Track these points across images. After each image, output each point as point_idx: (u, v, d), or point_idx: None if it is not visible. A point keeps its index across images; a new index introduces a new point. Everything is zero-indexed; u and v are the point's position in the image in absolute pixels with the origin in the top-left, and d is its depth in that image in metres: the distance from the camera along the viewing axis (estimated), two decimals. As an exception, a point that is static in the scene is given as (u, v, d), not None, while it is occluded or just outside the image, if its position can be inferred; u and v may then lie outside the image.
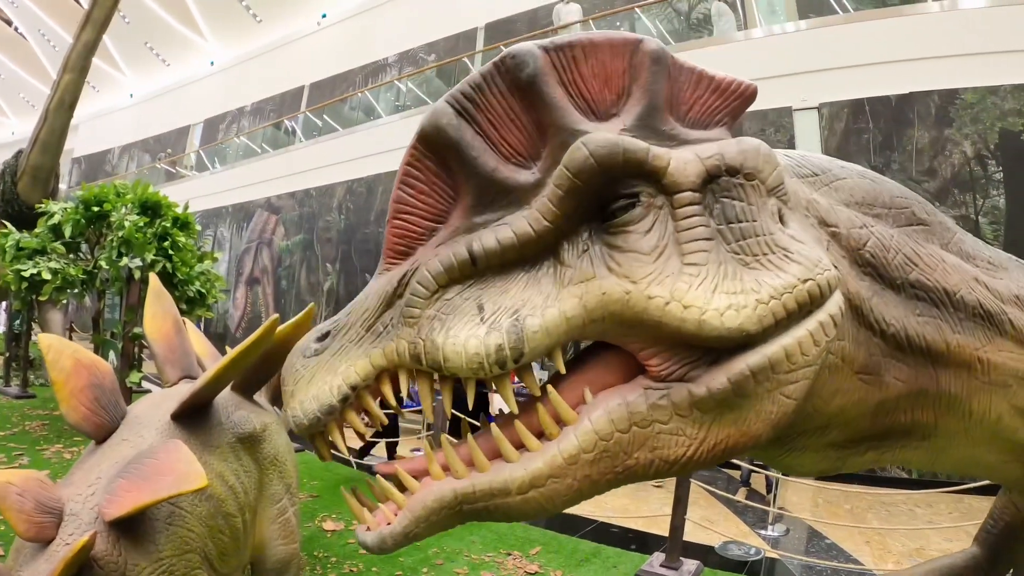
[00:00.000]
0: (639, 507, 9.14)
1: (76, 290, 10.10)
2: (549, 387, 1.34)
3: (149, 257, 9.39)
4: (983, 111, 11.15)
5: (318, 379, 1.32)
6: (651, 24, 15.62)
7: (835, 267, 1.42)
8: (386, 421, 1.32)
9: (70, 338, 17.78)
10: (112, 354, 10.00)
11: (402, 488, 1.37)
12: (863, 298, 1.52)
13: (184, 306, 10.13)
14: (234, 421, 3.34)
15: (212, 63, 31.63)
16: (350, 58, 23.61)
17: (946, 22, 11.70)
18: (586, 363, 1.40)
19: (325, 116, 23.42)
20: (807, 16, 13.47)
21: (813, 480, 10.87)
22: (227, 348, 3.20)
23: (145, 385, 12.05)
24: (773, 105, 11.75)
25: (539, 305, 1.25)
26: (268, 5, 27.73)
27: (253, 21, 28.73)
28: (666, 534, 6.43)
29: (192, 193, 23.37)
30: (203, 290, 10.38)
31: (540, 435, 1.33)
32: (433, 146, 1.32)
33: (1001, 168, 11.05)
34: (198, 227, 11.00)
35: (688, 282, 1.24)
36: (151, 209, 10.04)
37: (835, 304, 1.36)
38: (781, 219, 1.40)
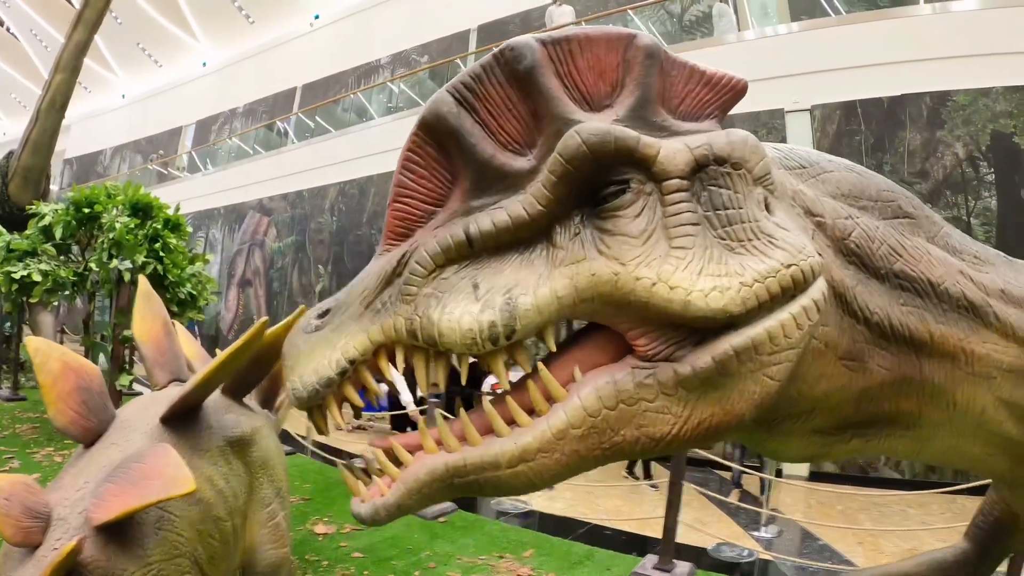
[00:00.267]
0: (632, 509, 9.14)
1: (67, 292, 10.06)
2: (540, 365, 1.38)
3: (140, 259, 9.35)
4: (975, 113, 11.19)
5: (318, 354, 1.36)
6: (644, 26, 15.64)
7: (819, 255, 1.46)
8: (381, 393, 1.34)
9: (61, 340, 17.80)
10: (102, 357, 9.95)
11: (398, 464, 1.40)
12: (847, 286, 1.56)
13: (175, 308, 10.08)
14: (224, 424, 3.32)
15: (204, 64, 31.61)
16: (343, 59, 23.61)
17: (938, 24, 11.73)
18: (576, 343, 1.45)
19: (317, 117, 23.42)
20: (799, 18, 13.52)
21: (806, 481, 10.91)
22: (217, 351, 3.18)
23: (136, 387, 12.02)
24: (765, 107, 11.76)
25: (531, 285, 1.29)
26: (260, 6, 27.73)
27: (245, 22, 28.71)
28: (659, 536, 6.43)
29: (184, 194, 23.31)
30: (194, 292, 10.34)
31: (531, 412, 1.36)
32: (433, 133, 1.37)
33: (993, 170, 11.09)
34: (189, 229, 10.95)
35: (675, 264, 1.29)
36: (142, 211, 10.00)
37: (818, 290, 1.40)
38: (767, 207, 1.44)
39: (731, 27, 14.12)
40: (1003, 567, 5.82)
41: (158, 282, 9.60)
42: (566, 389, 1.35)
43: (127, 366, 9.96)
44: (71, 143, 38.08)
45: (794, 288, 1.35)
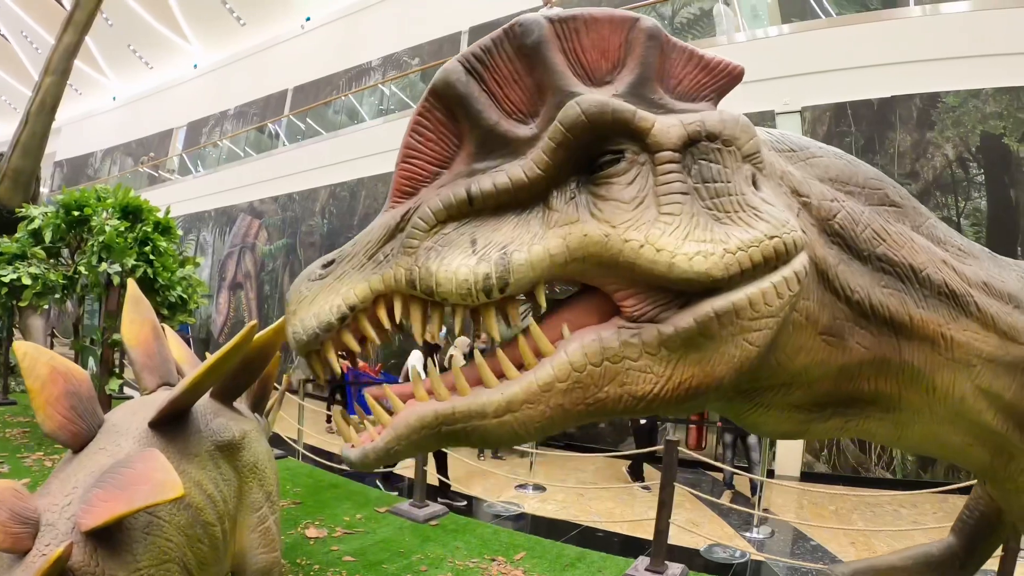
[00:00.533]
0: (624, 511, 9.15)
1: (57, 295, 10.03)
2: (531, 321, 1.46)
3: (130, 262, 9.33)
4: (965, 114, 11.23)
5: (320, 299, 1.42)
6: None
7: (803, 232, 1.51)
8: (377, 340, 1.43)
9: (51, 344, 17.71)
10: (91, 361, 9.93)
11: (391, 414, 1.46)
12: (829, 264, 1.61)
13: (165, 312, 10.07)
14: (213, 429, 3.31)
15: (195, 66, 31.48)
16: (334, 61, 23.54)
17: (928, 26, 11.77)
18: (567, 305, 1.51)
19: (309, 120, 23.37)
20: (790, 20, 13.54)
21: (797, 482, 10.92)
22: (207, 354, 3.18)
23: (126, 391, 11.99)
24: (755, 108, 11.77)
25: (526, 242, 1.36)
26: (252, 8, 27.65)
27: (236, 24, 28.61)
28: (651, 538, 6.44)
29: (175, 197, 23.34)
30: (185, 295, 10.31)
31: (520, 368, 1.42)
32: (443, 99, 1.43)
33: (983, 171, 11.14)
34: (179, 232, 10.94)
35: (662, 229, 1.35)
36: (132, 214, 9.98)
37: (800, 263, 1.46)
38: (755, 184, 1.51)
39: (732, 27, 14.13)
40: (995, 566, 5.87)
41: (148, 285, 9.58)
42: (554, 346, 1.40)
43: (116, 370, 9.93)
44: (62, 145, 37.96)
45: (776, 259, 1.41)
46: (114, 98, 36.63)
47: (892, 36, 11.69)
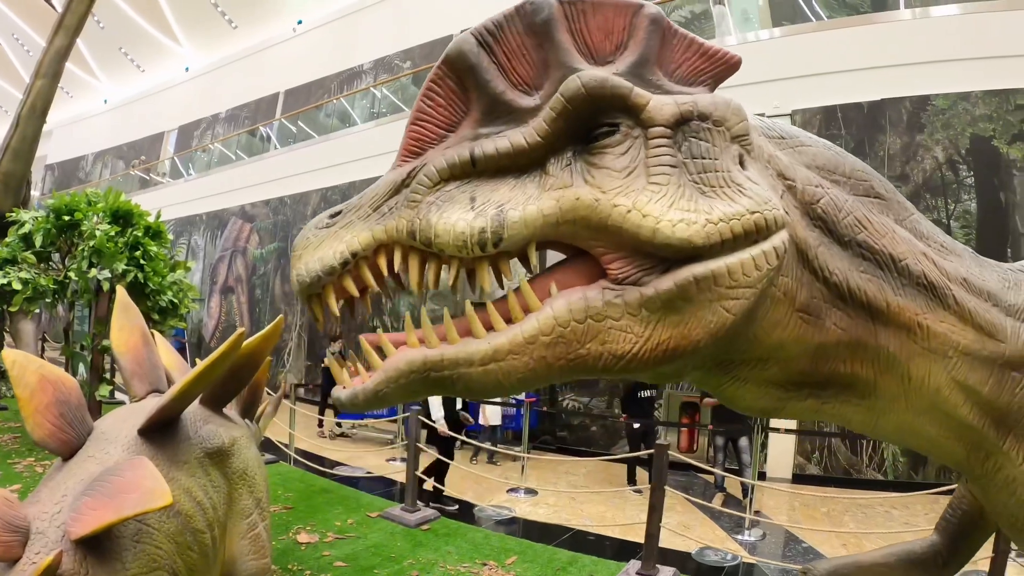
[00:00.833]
0: (615, 515, 9.16)
1: (47, 300, 10.00)
2: (521, 277, 1.53)
3: (120, 267, 9.31)
4: (954, 117, 11.29)
5: (325, 245, 1.49)
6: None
7: (785, 212, 1.58)
8: (375, 287, 1.50)
9: (42, 348, 17.63)
10: (82, 367, 9.90)
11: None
12: (809, 245, 1.67)
13: (156, 316, 10.05)
14: (202, 436, 3.31)
15: (187, 69, 31.39)
16: (326, 65, 23.50)
17: (918, 29, 11.82)
18: (557, 267, 1.58)
19: (300, 123, 23.34)
20: (780, 24, 13.59)
21: (789, 484, 10.95)
22: (197, 360, 3.18)
23: (118, 396, 11.96)
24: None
25: (522, 202, 1.44)
26: (244, 11, 27.57)
27: (228, 27, 28.55)
28: (643, 541, 6.45)
29: (166, 200, 23.26)
30: (175, 300, 10.29)
31: (509, 322, 1.48)
32: (454, 67, 1.52)
33: (972, 173, 11.20)
34: (170, 236, 10.93)
35: (649, 196, 1.42)
36: (123, 218, 9.96)
37: (779, 239, 1.52)
38: (742, 164, 1.58)
39: (724, 30, 14.15)
40: (986, 566, 5.90)
41: (139, 290, 9.56)
42: (542, 303, 1.47)
43: (107, 376, 9.91)
44: (53, 148, 37.83)
45: (756, 233, 1.47)
46: (105, 101, 36.53)
47: (882, 39, 11.74)
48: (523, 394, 12.81)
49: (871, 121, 11.85)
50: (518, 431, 11.95)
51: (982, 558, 5.95)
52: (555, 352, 1.43)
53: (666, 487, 6.62)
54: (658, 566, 6.37)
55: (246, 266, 22.78)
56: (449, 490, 8.87)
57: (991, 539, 5.66)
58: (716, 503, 9.49)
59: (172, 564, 2.79)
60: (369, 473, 10.66)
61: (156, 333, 3.93)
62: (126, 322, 3.59)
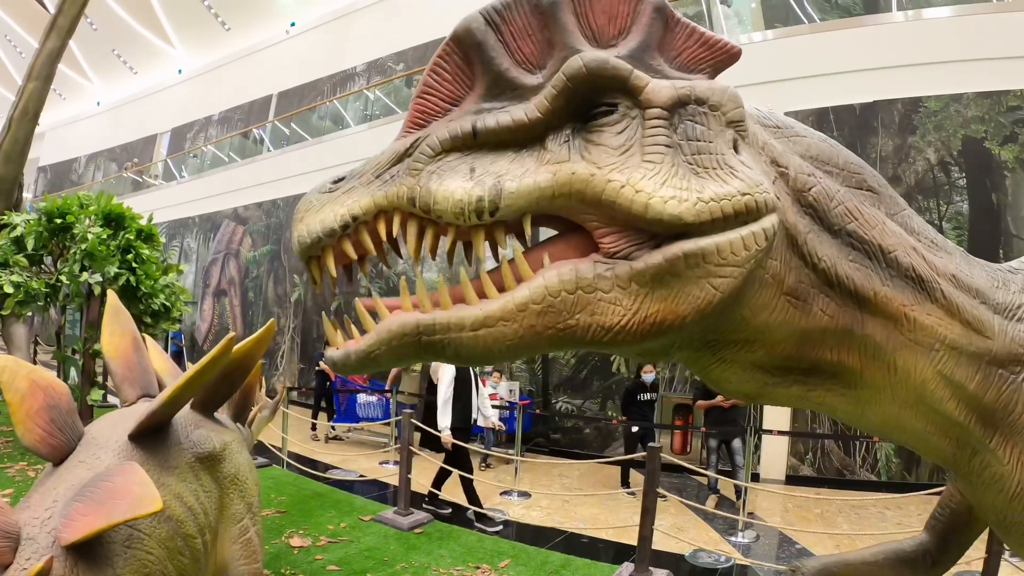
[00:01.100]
0: (609, 517, 9.16)
1: (39, 304, 9.96)
2: (516, 248, 1.56)
3: (112, 270, 9.28)
4: (946, 119, 11.33)
5: (327, 209, 1.53)
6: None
7: (777, 197, 1.62)
8: (373, 251, 1.55)
9: (34, 352, 17.56)
10: (73, 371, 9.87)
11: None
12: (799, 231, 1.69)
13: (148, 320, 10.02)
14: (193, 440, 3.30)
15: (180, 71, 31.35)
16: (319, 67, 23.48)
17: (909, 32, 11.87)
18: (551, 241, 1.63)
19: (293, 125, 23.31)
20: (773, 26, 13.62)
21: (783, 485, 10.97)
22: (188, 364, 3.17)
23: (110, 399, 11.91)
24: (739, 114, 11.83)
25: (519, 174, 1.48)
26: (237, 13, 27.55)
27: (221, 29, 28.52)
28: (636, 544, 6.45)
29: (159, 203, 23.25)
30: (168, 303, 10.27)
31: (502, 292, 1.52)
32: (461, 44, 1.57)
33: (964, 174, 11.25)
34: (162, 239, 10.89)
35: (643, 173, 1.46)
36: (115, 221, 9.93)
37: (769, 222, 1.55)
38: (735, 148, 1.61)
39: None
40: (979, 567, 5.91)
41: (131, 293, 9.54)
42: (535, 273, 1.51)
43: (99, 380, 9.88)
44: (45, 151, 37.75)
45: (746, 214, 1.51)
46: (98, 103, 36.45)
47: (875, 41, 11.78)
48: (516, 397, 12.85)
49: (863, 123, 11.89)
50: (511, 433, 11.94)
51: (975, 558, 5.96)
52: (545, 321, 1.47)
53: (660, 489, 6.62)
54: (651, 568, 6.37)
55: (239, 269, 22.75)
56: (442, 493, 8.86)
57: (984, 540, 5.71)
58: (710, 505, 9.50)
59: (163, 569, 2.78)
60: (362, 476, 10.65)
61: (147, 337, 3.92)
62: (117, 326, 3.57)
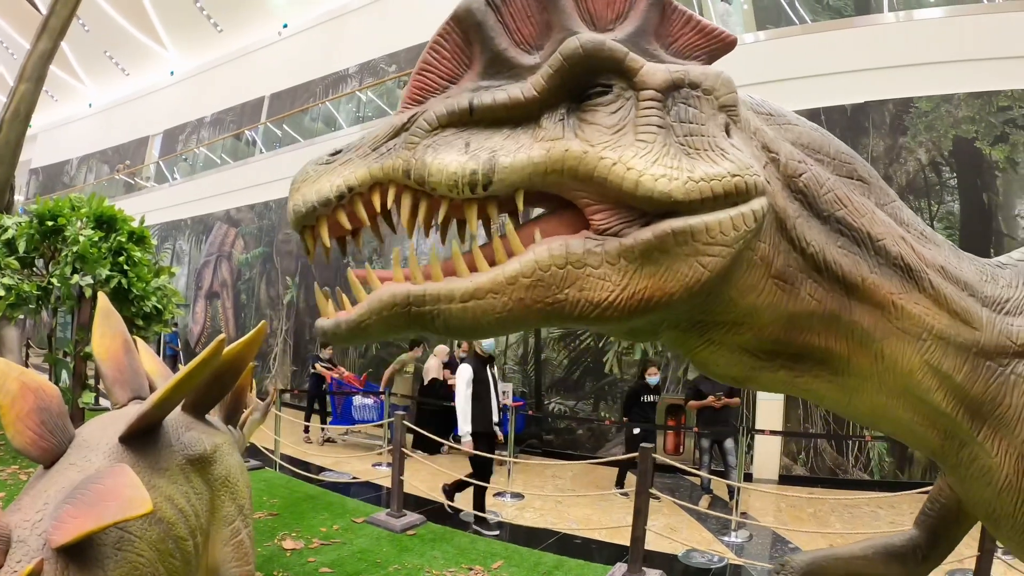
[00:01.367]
0: (602, 518, 9.17)
1: (31, 306, 9.92)
2: (508, 224, 1.60)
3: (104, 273, 9.26)
4: (937, 119, 11.38)
5: (323, 179, 1.55)
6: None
7: (767, 181, 1.64)
8: (367, 223, 1.57)
9: (26, 355, 17.49)
10: (64, 373, 9.84)
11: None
12: (788, 215, 1.72)
13: (140, 322, 9.99)
14: (184, 442, 3.29)
15: (172, 73, 31.27)
16: (311, 68, 23.45)
17: (900, 33, 11.92)
18: (543, 218, 1.65)
19: (286, 127, 23.29)
20: (764, 27, 13.65)
21: (775, 485, 10.99)
22: (179, 366, 3.17)
23: (102, 402, 11.89)
24: (731, 115, 11.86)
25: (513, 150, 1.50)
26: (229, 15, 27.47)
27: (214, 31, 28.44)
28: (629, 544, 6.45)
29: (151, 205, 23.18)
30: (159, 305, 10.24)
31: (493, 266, 1.54)
32: (461, 23, 1.59)
33: (955, 174, 11.30)
34: (154, 241, 10.87)
35: (635, 152, 1.48)
36: (106, 223, 9.90)
37: (758, 204, 1.57)
38: (727, 132, 1.64)
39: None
40: (971, 565, 5.93)
41: (123, 295, 9.51)
42: (526, 248, 1.52)
43: (90, 383, 9.85)
44: (37, 152, 37.62)
45: (736, 195, 1.53)
46: (90, 105, 36.33)
47: (866, 42, 11.83)
48: (509, 398, 12.84)
49: (855, 123, 11.93)
50: (504, 435, 11.94)
51: (968, 556, 5.98)
52: (534, 295, 1.48)
53: (652, 490, 6.63)
54: (644, 569, 6.38)
55: (231, 271, 22.72)
56: (434, 495, 8.85)
57: (977, 538, 5.73)
58: (702, 505, 9.50)
59: (154, 571, 2.78)
60: (355, 478, 10.64)
61: (138, 339, 3.91)
62: (108, 329, 3.57)
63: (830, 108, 12.03)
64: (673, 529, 8.53)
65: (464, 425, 8.44)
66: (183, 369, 2.96)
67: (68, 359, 9.87)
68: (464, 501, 8.62)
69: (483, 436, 8.63)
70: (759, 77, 11.84)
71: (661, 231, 1.48)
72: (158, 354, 5.34)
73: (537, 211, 1.72)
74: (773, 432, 10.80)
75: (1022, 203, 10.90)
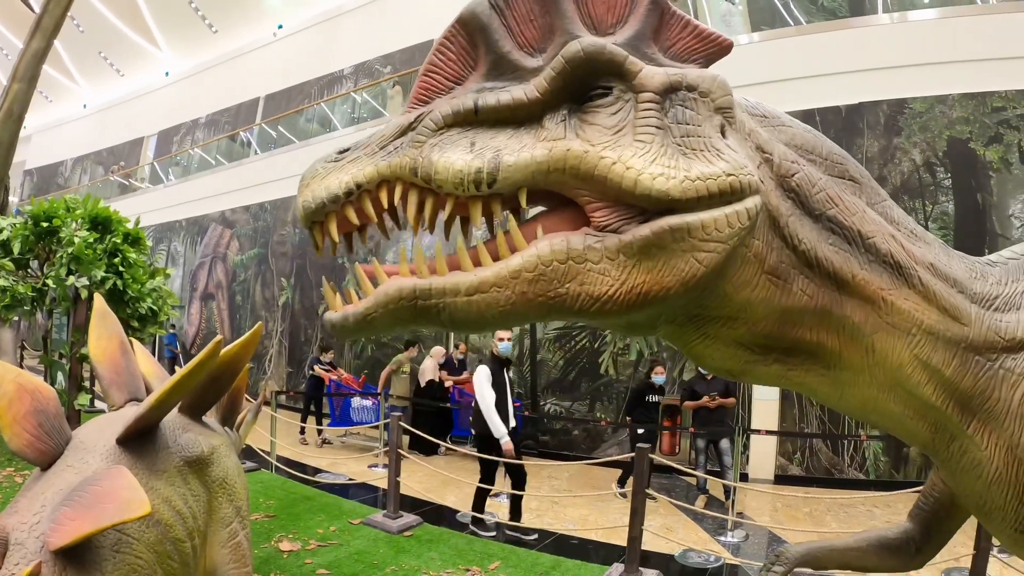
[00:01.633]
0: (598, 518, 9.18)
1: (26, 308, 9.89)
2: (511, 219, 1.63)
3: (99, 274, 9.23)
4: (931, 120, 11.41)
5: (331, 176, 1.59)
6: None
7: (760, 180, 1.69)
8: (375, 219, 1.62)
9: (21, 357, 17.45)
10: (60, 375, 9.82)
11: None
12: (781, 213, 1.76)
13: (136, 324, 9.96)
14: (181, 444, 3.28)
15: (167, 73, 31.24)
16: (306, 69, 23.43)
17: (895, 34, 11.95)
18: (545, 215, 1.70)
19: (280, 128, 23.26)
20: (760, 28, 13.67)
21: (771, 485, 11.00)
22: (175, 367, 3.16)
23: (98, 404, 11.87)
24: (726, 116, 11.88)
25: (517, 149, 1.54)
26: (224, 15, 27.46)
27: (208, 31, 28.43)
28: (625, 544, 6.46)
29: (146, 206, 23.13)
30: (155, 307, 10.21)
31: (497, 261, 1.59)
32: (467, 26, 1.64)
33: (949, 175, 11.33)
34: (149, 242, 10.83)
35: (634, 151, 1.53)
36: (101, 224, 9.88)
37: (752, 203, 1.61)
38: (723, 133, 1.68)
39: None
40: (967, 563, 5.94)
41: (118, 297, 9.49)
42: (528, 244, 1.57)
43: (86, 384, 9.83)
44: (32, 153, 37.57)
45: (731, 194, 1.57)
46: (85, 106, 36.28)
47: (860, 43, 11.86)
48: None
49: (849, 124, 11.96)
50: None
51: (964, 555, 5.99)
52: (536, 289, 1.52)
53: (649, 490, 6.63)
54: (641, 569, 6.38)
55: (226, 272, 22.69)
56: (430, 496, 8.85)
57: (973, 536, 5.74)
58: (699, 505, 9.52)
59: (152, 574, 2.77)
60: (351, 480, 10.63)
61: (135, 341, 3.90)
62: (104, 330, 3.56)
63: (825, 109, 12.06)
64: (670, 529, 8.54)
65: (499, 427, 8.11)
66: (180, 371, 2.96)
67: (64, 361, 9.84)
68: (462, 502, 8.60)
69: (491, 441, 8.33)
70: (754, 78, 11.87)
71: (659, 228, 1.52)
72: (155, 356, 5.35)
73: (539, 208, 1.75)
74: (769, 432, 10.83)
75: (1016, 203, 10.93)
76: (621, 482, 10.48)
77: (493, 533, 8.10)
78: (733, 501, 8.65)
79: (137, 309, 9.92)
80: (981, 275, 2.13)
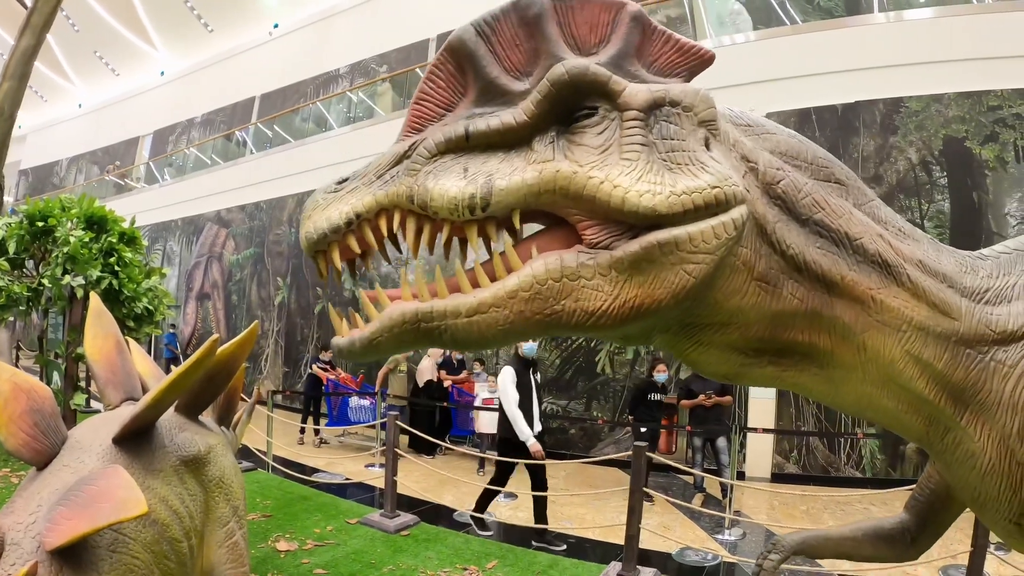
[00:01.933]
0: (596, 517, 9.18)
1: (22, 308, 9.86)
2: (507, 241, 1.68)
3: (95, 274, 9.20)
4: (927, 118, 11.42)
5: (332, 207, 1.66)
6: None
7: (746, 190, 1.72)
8: (375, 246, 1.67)
9: (17, 357, 17.43)
10: (56, 375, 9.79)
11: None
12: (768, 220, 1.80)
13: (131, 323, 9.93)
14: (178, 443, 3.28)
15: (162, 73, 31.18)
16: (302, 69, 23.41)
17: (891, 33, 11.96)
18: (539, 234, 1.74)
19: (276, 127, 23.23)
20: (755, 27, 13.68)
21: (768, 483, 11.01)
22: (171, 368, 3.15)
23: (94, 404, 11.84)
24: (722, 114, 11.89)
25: (508, 173, 1.59)
26: (219, 15, 27.41)
27: (204, 31, 28.38)
28: (623, 543, 6.46)
29: (141, 206, 23.09)
30: (151, 307, 10.18)
31: (494, 281, 1.63)
32: (455, 54, 1.68)
33: (945, 173, 11.34)
34: (145, 242, 10.81)
35: (620, 170, 1.57)
36: (97, 224, 9.84)
37: (738, 213, 1.65)
38: (707, 146, 1.72)
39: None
40: (964, 560, 5.95)
41: (113, 296, 9.45)
42: (523, 264, 1.62)
43: (82, 384, 9.80)
44: (27, 153, 37.48)
45: (716, 206, 1.60)
46: (80, 105, 36.19)
47: (856, 43, 11.86)
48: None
49: (845, 123, 11.97)
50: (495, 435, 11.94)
51: (961, 552, 6.00)
52: (533, 307, 1.57)
53: (646, 488, 6.63)
54: (639, 567, 6.38)
55: (222, 272, 22.66)
56: (428, 495, 8.84)
57: (970, 534, 5.74)
58: (696, 503, 9.52)
59: (149, 573, 2.76)
60: (348, 479, 10.62)
61: (131, 340, 3.89)
62: (100, 330, 3.55)
63: (821, 108, 12.06)
64: (667, 527, 8.54)
65: (525, 428, 7.94)
66: (177, 370, 2.95)
67: (59, 360, 9.81)
68: (459, 501, 8.59)
69: (513, 445, 8.17)
70: (750, 77, 11.89)
71: (648, 243, 1.56)
72: (152, 355, 5.33)
73: (535, 227, 1.79)
74: (765, 430, 10.84)
75: (1012, 201, 10.95)
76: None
77: (491, 532, 8.08)
78: (730, 499, 8.65)
79: (133, 309, 9.89)
80: (971, 269, 2.16)
